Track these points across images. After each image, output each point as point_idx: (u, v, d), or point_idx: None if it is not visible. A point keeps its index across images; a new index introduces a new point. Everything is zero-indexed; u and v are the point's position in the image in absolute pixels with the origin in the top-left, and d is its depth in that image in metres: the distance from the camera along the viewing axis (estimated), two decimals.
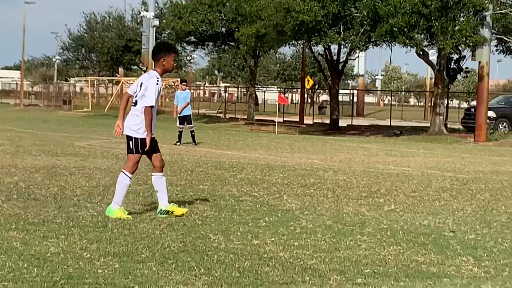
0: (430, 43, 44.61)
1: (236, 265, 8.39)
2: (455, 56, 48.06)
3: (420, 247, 9.84)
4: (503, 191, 16.64)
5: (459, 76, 51.66)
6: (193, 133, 29.92)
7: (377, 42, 44.76)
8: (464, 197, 15.30)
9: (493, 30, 43.38)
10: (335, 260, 8.85)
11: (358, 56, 67.52)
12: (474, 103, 49.88)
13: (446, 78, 46.70)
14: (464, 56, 48.04)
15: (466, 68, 50.13)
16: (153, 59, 11.53)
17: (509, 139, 41.09)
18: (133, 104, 11.30)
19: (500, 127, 45.51)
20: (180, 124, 29.79)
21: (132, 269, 7.97)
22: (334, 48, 51.45)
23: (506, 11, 44.21)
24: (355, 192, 15.49)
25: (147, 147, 11.16)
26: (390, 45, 45.69)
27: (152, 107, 11.11)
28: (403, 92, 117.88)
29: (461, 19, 41.05)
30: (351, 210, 12.90)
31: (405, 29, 40.23)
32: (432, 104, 47.99)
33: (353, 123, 57.16)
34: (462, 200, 14.79)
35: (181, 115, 29.74)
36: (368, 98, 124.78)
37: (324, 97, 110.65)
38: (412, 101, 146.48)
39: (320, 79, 77.37)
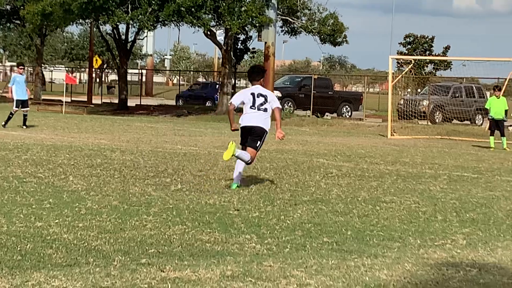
0: (218, 23, 45.09)
1: (18, 248, 8.14)
2: (242, 37, 48.81)
3: (205, 226, 9.91)
4: (287, 169, 17.08)
5: (246, 56, 52.60)
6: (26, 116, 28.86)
7: (165, 22, 44.69)
8: (249, 176, 15.55)
9: (278, 12, 44.37)
10: (119, 240, 8.75)
11: (146, 36, 67.28)
12: None
13: (233, 58, 47.38)
14: (251, 37, 48.94)
15: (253, 48, 51.10)
16: None
17: (293, 118, 42.27)
18: None
19: (286, 106, 46.70)
20: (16, 107, 28.64)
21: None
22: (122, 27, 51.02)
23: None
24: (142, 172, 15.40)
25: None
26: (178, 25, 45.82)
27: None
28: (191, 72, 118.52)
29: (247, 0, 41.71)
30: (138, 190, 12.81)
31: (193, 9, 40.41)
32: (220, 84, 48.57)
33: (142, 103, 56.98)
34: (247, 179, 15.03)
35: (20, 98, 28.54)
36: (157, 78, 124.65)
37: (113, 76, 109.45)
38: (201, 80, 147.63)
39: (109, 59, 76.48)
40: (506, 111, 27.43)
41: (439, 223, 10.89)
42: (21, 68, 30.22)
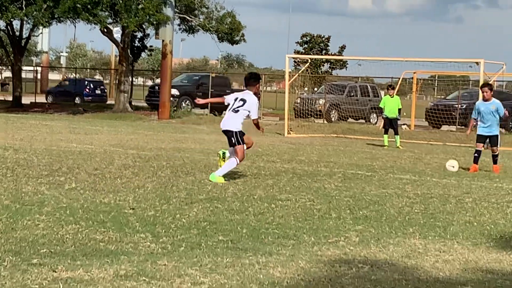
0: (115, 21, 44.61)
1: None
2: (139, 34, 48.43)
3: (99, 225, 9.81)
4: (184, 168, 17.06)
5: (143, 54, 52.14)
6: None
7: (61, 18, 43.95)
8: (145, 174, 15.48)
9: (176, 9, 44.21)
10: (10, 241, 8.59)
11: (41, 33, 66.04)
12: (158, 81, 50.54)
13: (131, 55, 46.98)
14: (148, 34, 48.55)
15: (151, 46, 50.76)
16: None
17: (191, 117, 42.22)
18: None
19: (184, 105, 46.60)
20: None
21: None
22: (16, 23, 49.93)
23: None
24: (35, 171, 15.15)
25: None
26: (74, 22, 45.11)
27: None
28: (88, 70, 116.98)
29: None
30: (31, 189, 12.59)
31: (89, 6, 39.90)
32: (117, 82, 48.11)
33: (37, 101, 55.95)
34: (143, 177, 14.96)
35: None
36: (53, 75, 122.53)
37: (7, 73, 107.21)
38: (98, 78, 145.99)
39: (2, 55, 74.81)
40: (399, 109, 28.01)
41: (333, 220, 11.05)
42: None
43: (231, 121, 15.33)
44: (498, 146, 19.76)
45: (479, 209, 12.77)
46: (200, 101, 17.01)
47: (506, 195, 14.79)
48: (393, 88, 29.00)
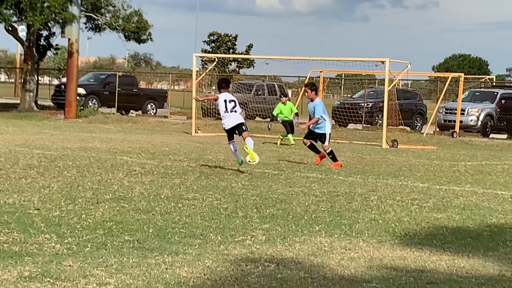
0: (20, 19, 43.84)
1: None
2: (45, 33, 47.72)
3: (3, 226, 9.65)
4: (90, 167, 16.88)
5: (49, 53, 51.38)
6: None
7: None
8: (51, 174, 15.27)
9: (82, 8, 43.71)
10: None
11: None
12: (64, 80, 49.88)
13: (36, 54, 46.26)
14: (54, 33, 47.88)
15: (56, 45, 50.10)
16: None
17: (98, 116, 41.82)
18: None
19: (90, 104, 46.09)
20: None
21: None
22: None
23: None
24: None
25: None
26: None
27: None
28: None
29: None
30: None
31: None
32: (22, 81, 47.31)
33: None
34: (49, 177, 14.76)
35: None
36: None
37: None
38: (3, 77, 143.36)
39: None
40: (296, 113, 29.89)
41: (240, 219, 11.09)
42: None
43: (238, 117, 17.62)
44: (326, 143, 20.10)
45: (384, 207, 12.99)
46: (199, 98, 20.80)
47: (410, 193, 15.08)
48: (286, 96, 30.51)
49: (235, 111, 17.62)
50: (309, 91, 20.17)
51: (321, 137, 20.15)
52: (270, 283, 7.49)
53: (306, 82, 41.61)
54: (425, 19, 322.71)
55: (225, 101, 17.56)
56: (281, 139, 29.47)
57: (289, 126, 29.12)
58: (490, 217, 12.48)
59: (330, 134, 20.49)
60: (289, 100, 30.26)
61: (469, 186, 16.76)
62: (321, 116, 19.95)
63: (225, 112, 17.56)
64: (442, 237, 10.46)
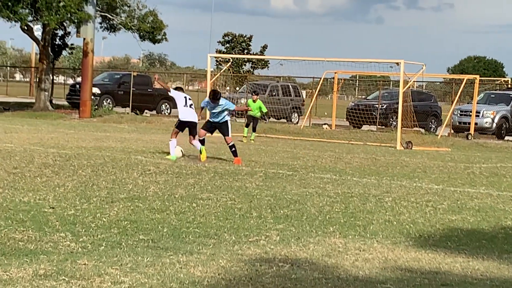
0: (35, 18, 43.99)
1: None
2: (61, 32, 47.84)
3: (18, 224, 9.69)
4: (105, 167, 16.92)
5: (64, 52, 51.47)
6: None
7: None
8: (66, 173, 15.32)
9: (97, 8, 43.79)
10: None
11: None
12: (79, 79, 49.98)
13: (51, 53, 46.37)
14: (70, 32, 47.98)
15: (72, 44, 50.22)
16: None
17: (112, 115, 41.88)
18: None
19: (105, 103, 46.17)
20: None
21: None
22: None
23: None
24: None
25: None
26: None
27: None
28: (8, 68, 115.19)
29: None
30: None
31: (9, 3, 39.26)
32: (38, 80, 47.44)
33: None
34: (64, 176, 14.80)
35: None
36: None
37: None
38: (18, 76, 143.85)
39: None
40: (266, 112, 32.29)
41: (254, 219, 11.10)
42: None
43: (194, 115, 20.00)
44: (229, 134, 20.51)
45: (398, 208, 12.97)
46: (160, 82, 21.97)
47: (425, 194, 15.05)
48: (257, 94, 31.66)
49: (192, 108, 19.94)
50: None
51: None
52: (284, 283, 7.49)
53: (320, 82, 41.62)
54: (440, 21, 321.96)
55: (185, 97, 19.91)
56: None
57: (254, 122, 30.59)
58: (505, 219, 12.44)
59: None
60: (258, 99, 31.21)
61: (484, 188, 16.71)
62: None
63: (184, 106, 19.79)
64: (456, 239, 10.44)
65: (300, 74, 47.57)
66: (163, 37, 47.62)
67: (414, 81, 35.71)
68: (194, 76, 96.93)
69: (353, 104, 45.06)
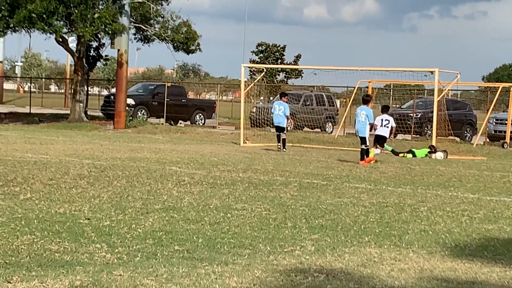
0: (70, 30, 44.34)
1: None
2: (95, 44, 48.20)
3: (54, 235, 9.75)
4: (140, 178, 17.00)
5: (99, 63, 51.87)
6: None
7: (16, 28, 43.58)
8: (101, 184, 15.41)
9: (131, 19, 44.09)
10: None
11: None
12: (113, 90, 50.28)
13: (86, 65, 46.71)
14: (104, 44, 48.34)
15: (106, 55, 50.53)
16: None
17: (147, 126, 42.08)
18: None
19: (139, 114, 46.41)
20: None
21: None
22: None
23: (144, 0, 45.19)
24: None
25: None
26: (29, 31, 44.75)
27: None
28: (43, 79, 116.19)
29: (100, 7, 41.25)
30: None
31: (44, 16, 39.60)
32: (72, 91, 47.81)
33: None
34: (99, 187, 14.89)
35: None
36: (8, 85, 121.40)
37: None
38: (53, 88, 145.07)
39: None
40: None
41: (289, 229, 11.09)
42: None
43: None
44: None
45: (434, 218, 12.89)
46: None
47: (460, 204, 14.95)
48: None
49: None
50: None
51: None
52: None
53: (354, 92, 41.54)
54: (475, 29, 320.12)
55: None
56: None
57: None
58: None
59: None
60: None
61: None
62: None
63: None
64: (493, 249, 10.35)
65: (334, 83, 47.62)
66: (197, 47, 47.83)
67: (448, 90, 35.49)
68: (228, 86, 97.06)
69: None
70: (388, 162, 25.52)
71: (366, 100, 25.12)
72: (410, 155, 28.99)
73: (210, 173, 18.87)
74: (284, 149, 28.92)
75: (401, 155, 28.99)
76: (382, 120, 24.93)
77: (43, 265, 8.09)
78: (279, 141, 29.42)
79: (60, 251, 8.86)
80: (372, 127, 24.33)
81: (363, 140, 24.10)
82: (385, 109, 25.95)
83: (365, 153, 24.05)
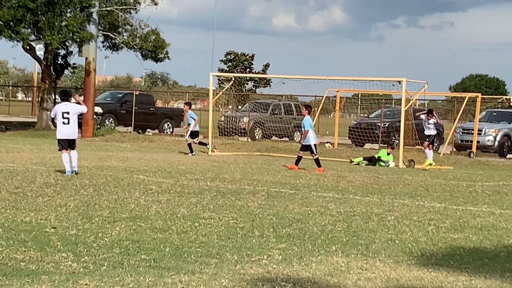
0: (38, 38, 44.11)
1: None
2: (63, 51, 47.95)
3: (20, 244, 9.67)
4: (107, 186, 16.92)
5: (66, 72, 51.63)
6: None
7: None
8: (68, 193, 15.32)
9: (99, 27, 43.93)
10: None
11: None
12: (81, 98, 50.02)
13: (54, 73, 46.49)
14: (72, 52, 48.11)
15: (74, 63, 50.29)
16: None
17: (115, 135, 41.91)
18: None
19: (107, 122, 46.21)
20: None
21: None
22: None
23: (112, 8, 45.07)
24: None
25: None
26: None
27: None
28: (10, 87, 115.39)
29: (68, 14, 41.07)
30: None
31: (11, 23, 39.36)
32: (40, 99, 47.53)
33: None
34: (65, 196, 14.80)
35: None
36: None
37: None
38: (21, 96, 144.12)
39: None
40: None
41: (256, 238, 11.08)
42: None
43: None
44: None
45: (401, 227, 12.95)
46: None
47: (427, 213, 15.02)
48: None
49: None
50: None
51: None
52: None
53: (322, 101, 41.65)
54: (441, 39, 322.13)
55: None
56: None
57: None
58: (508, 238, 12.41)
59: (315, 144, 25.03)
60: None
61: (486, 207, 16.68)
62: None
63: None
64: (459, 258, 10.42)
65: (302, 92, 47.62)
66: (165, 56, 47.76)
67: (416, 99, 35.69)
68: (196, 95, 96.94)
69: (355, 122, 45.08)
70: (355, 171, 25.61)
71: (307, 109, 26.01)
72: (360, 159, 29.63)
73: (177, 181, 18.82)
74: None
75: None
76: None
77: (8, 274, 8.02)
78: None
79: (25, 260, 8.79)
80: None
81: (308, 147, 25.06)
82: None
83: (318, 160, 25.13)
